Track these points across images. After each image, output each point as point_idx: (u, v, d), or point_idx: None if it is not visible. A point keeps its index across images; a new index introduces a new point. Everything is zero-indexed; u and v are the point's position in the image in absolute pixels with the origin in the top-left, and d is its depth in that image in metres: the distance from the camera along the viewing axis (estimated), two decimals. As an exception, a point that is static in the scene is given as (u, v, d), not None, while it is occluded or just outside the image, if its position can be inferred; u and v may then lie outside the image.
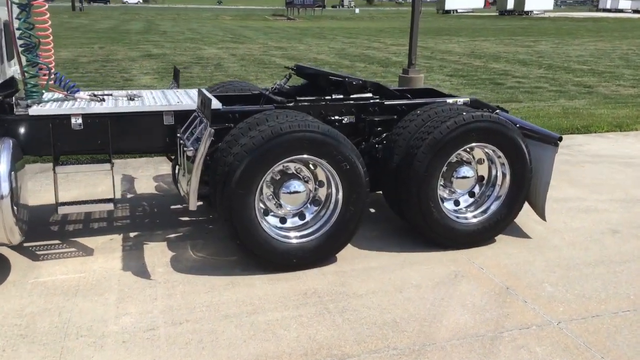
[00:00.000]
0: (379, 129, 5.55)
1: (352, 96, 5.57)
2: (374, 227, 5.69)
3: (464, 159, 5.34)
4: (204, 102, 4.60)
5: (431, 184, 4.99)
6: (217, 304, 4.23)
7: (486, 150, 5.32)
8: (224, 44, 28.72)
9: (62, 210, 4.70)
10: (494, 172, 5.44)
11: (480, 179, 5.47)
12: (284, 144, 4.44)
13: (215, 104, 5.07)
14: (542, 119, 11.13)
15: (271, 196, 4.77)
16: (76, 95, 5.09)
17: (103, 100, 5.05)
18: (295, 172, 4.82)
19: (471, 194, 5.47)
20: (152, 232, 5.48)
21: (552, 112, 12.18)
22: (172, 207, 6.19)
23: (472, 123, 4.99)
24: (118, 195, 6.41)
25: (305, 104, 5.39)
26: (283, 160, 4.51)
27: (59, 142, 4.77)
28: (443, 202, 5.34)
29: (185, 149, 4.33)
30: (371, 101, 5.61)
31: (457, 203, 5.44)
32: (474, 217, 5.33)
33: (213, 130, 4.29)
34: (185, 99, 5.36)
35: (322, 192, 4.93)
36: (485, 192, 5.47)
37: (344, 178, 4.68)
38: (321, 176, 4.85)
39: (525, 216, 5.78)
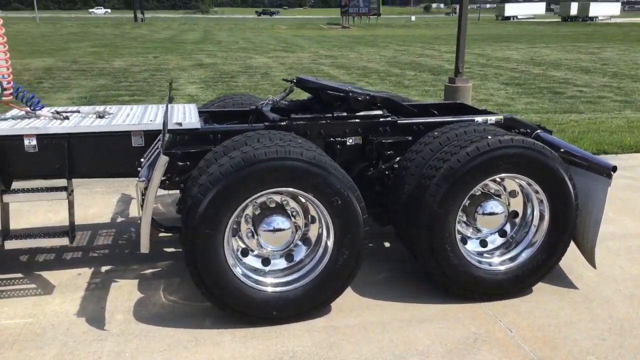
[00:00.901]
0: (390, 152, 4.60)
1: (359, 114, 4.65)
2: (381, 267, 4.73)
3: (492, 191, 4.32)
4: (164, 121, 3.81)
5: (447, 223, 4.00)
6: (169, 369, 3.42)
7: (520, 182, 4.27)
8: (275, 52, 28.27)
9: (8, 245, 4.02)
10: (529, 211, 4.37)
11: (513, 214, 4.42)
12: (257, 174, 3.58)
13: (191, 123, 4.28)
14: (603, 134, 9.78)
15: (250, 233, 3.92)
16: (38, 112, 4.43)
17: (66, 118, 4.37)
18: (280, 204, 3.96)
19: (502, 232, 4.44)
20: (127, 266, 4.74)
21: (615, 125, 10.76)
22: (161, 234, 5.45)
23: (498, 149, 3.96)
24: (97, 220, 5.69)
25: (302, 122, 4.51)
26: (258, 194, 3.66)
27: (10, 166, 4.11)
28: (465, 242, 4.34)
29: (138, 180, 3.56)
30: (381, 119, 4.67)
31: (484, 243, 4.42)
32: (502, 263, 4.29)
33: (167, 158, 3.49)
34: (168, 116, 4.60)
35: (313, 231, 4.04)
36: (519, 231, 4.41)
37: (336, 215, 3.77)
38: (312, 211, 3.97)
39: (573, 257, 4.67)
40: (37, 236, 4.05)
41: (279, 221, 3.86)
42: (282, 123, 4.49)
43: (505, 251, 4.37)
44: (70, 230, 4.03)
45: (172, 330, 3.81)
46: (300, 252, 4.04)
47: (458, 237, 4.11)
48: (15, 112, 4.47)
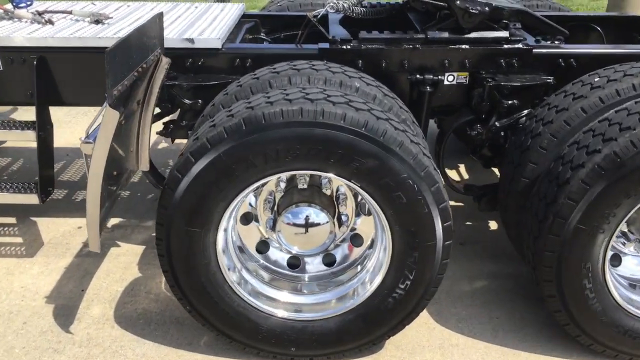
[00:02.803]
0: (512, 101, 2.83)
1: (469, 35, 2.87)
2: (467, 276, 3.15)
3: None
4: (153, 35, 2.38)
5: (590, 249, 2.30)
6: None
7: None
8: None
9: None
10: None
11: None
12: (263, 147, 2.09)
13: (208, 39, 2.82)
14: None
15: (270, 224, 2.53)
16: (17, 12, 3.17)
17: (49, 22, 3.07)
18: (315, 184, 2.48)
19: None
20: (140, 222, 3.61)
21: None
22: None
23: None
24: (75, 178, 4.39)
25: (374, 46, 2.85)
26: (265, 178, 2.19)
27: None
28: (620, 261, 2.62)
29: (82, 139, 2.23)
30: (505, 46, 2.86)
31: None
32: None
33: (116, 113, 2.08)
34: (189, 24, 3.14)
35: (365, 228, 2.55)
36: None
37: (397, 220, 2.22)
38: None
39: None
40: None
41: (310, 213, 2.40)
42: (345, 46, 2.86)
43: (688, 288, 2.59)
44: (40, 185, 2.89)
45: (153, 347, 2.64)
46: (341, 254, 2.61)
47: (607, 264, 2.40)
48: (-12, 11, 3.26)
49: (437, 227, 2.24)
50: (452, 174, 4.21)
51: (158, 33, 2.57)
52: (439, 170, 2.30)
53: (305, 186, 2.45)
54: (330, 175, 2.17)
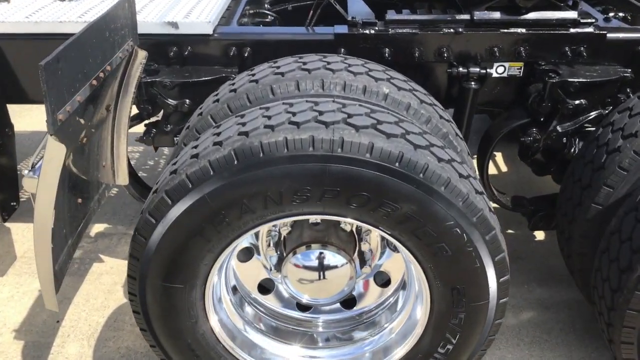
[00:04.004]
0: (580, 102, 2.23)
1: (526, 16, 2.24)
2: (513, 320, 2.61)
3: None
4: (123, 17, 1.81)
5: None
6: None
7: None
8: None
9: None
10: None
11: None
12: (261, 189, 1.54)
13: (195, 23, 2.23)
14: None
15: (275, 263, 2.01)
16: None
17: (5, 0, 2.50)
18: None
19: None
20: (119, 243, 3.11)
21: None
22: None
23: None
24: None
25: (406, 30, 2.24)
26: (264, 225, 1.65)
27: None
28: None
29: (25, 173, 1.68)
30: (571, 29, 2.23)
31: None
32: None
33: (61, 147, 1.54)
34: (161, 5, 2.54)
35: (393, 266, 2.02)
36: None
37: (439, 276, 1.69)
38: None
39: None
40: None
41: (325, 254, 1.88)
42: (368, 31, 2.25)
43: None
44: (0, 204, 2.38)
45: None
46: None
47: None
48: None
49: (490, 284, 1.70)
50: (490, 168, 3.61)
51: (128, 21, 1.98)
52: (490, 206, 1.74)
53: (318, 219, 1.91)
54: (351, 221, 1.63)
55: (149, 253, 1.66)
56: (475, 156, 2.54)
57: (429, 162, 1.56)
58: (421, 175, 1.54)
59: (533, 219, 2.50)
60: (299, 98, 1.78)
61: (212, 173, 1.54)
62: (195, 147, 1.66)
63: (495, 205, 2.59)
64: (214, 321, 1.83)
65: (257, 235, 1.99)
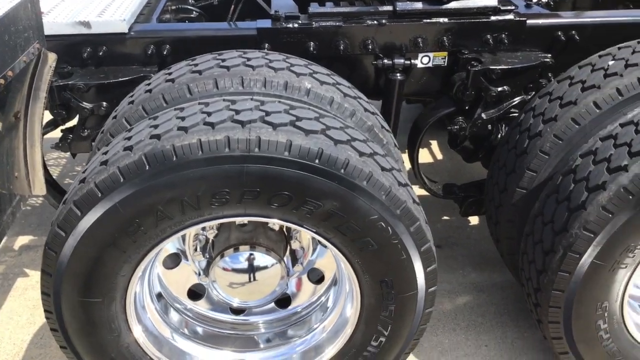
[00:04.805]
0: (503, 88, 2.26)
1: (448, 5, 2.23)
2: (450, 305, 2.65)
3: None
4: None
5: (610, 280, 1.82)
6: None
7: None
8: None
9: None
10: None
11: None
12: (177, 194, 1.47)
13: (108, 21, 2.11)
14: None
15: (203, 266, 1.94)
16: None
17: None
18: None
19: None
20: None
21: None
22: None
23: None
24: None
25: (330, 23, 2.20)
26: (183, 231, 1.58)
27: None
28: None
29: None
30: (492, 17, 2.25)
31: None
32: None
33: None
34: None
35: (327, 264, 1.99)
36: None
37: (366, 270, 1.67)
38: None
39: None
40: None
41: (255, 256, 1.82)
42: (291, 25, 2.19)
43: None
44: None
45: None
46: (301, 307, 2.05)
47: (626, 299, 1.92)
48: None
49: (418, 274, 1.69)
50: (424, 157, 3.64)
51: (32, 22, 1.85)
52: (417, 202, 1.72)
53: (245, 220, 1.85)
54: (275, 220, 1.58)
55: (61, 268, 1.56)
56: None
57: (350, 157, 1.53)
58: (342, 170, 1.51)
59: (464, 205, 2.53)
60: (217, 97, 1.71)
61: (122, 180, 1.45)
62: (105, 153, 1.56)
63: (427, 193, 2.62)
64: (138, 332, 1.74)
65: (183, 239, 1.91)
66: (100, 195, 1.46)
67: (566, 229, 1.77)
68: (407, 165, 2.55)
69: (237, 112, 1.53)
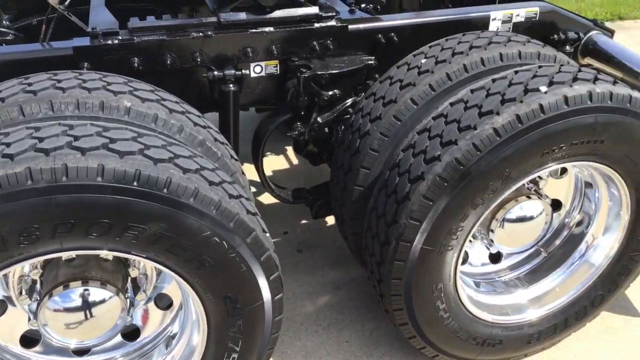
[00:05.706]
0: (334, 92, 2.32)
1: (272, 14, 2.25)
2: (311, 307, 2.69)
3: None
4: None
5: (440, 263, 1.94)
6: None
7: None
8: None
9: None
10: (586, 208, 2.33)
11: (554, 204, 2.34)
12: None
13: None
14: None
15: (33, 310, 1.76)
16: None
17: None
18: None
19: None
20: None
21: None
22: None
23: (566, 118, 1.78)
24: None
25: (152, 37, 2.11)
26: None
27: None
28: (465, 260, 2.33)
29: None
30: (315, 24, 2.31)
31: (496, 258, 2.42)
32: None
33: None
34: None
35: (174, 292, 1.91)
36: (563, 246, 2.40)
37: (206, 288, 1.62)
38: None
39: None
40: None
41: (89, 291, 1.69)
42: (110, 41, 2.08)
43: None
44: None
45: None
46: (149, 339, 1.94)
47: (458, 278, 2.07)
48: None
49: (261, 284, 1.68)
50: (274, 163, 3.65)
51: None
52: (254, 209, 1.71)
53: (73, 254, 1.71)
54: (100, 251, 1.48)
55: None
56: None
57: (173, 175, 1.47)
58: (165, 190, 1.45)
59: (314, 208, 2.57)
60: (22, 125, 1.56)
61: None
62: None
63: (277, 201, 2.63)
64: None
65: (6, 283, 1.73)
66: None
67: (396, 220, 1.86)
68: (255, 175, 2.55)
69: (41, 139, 1.41)
